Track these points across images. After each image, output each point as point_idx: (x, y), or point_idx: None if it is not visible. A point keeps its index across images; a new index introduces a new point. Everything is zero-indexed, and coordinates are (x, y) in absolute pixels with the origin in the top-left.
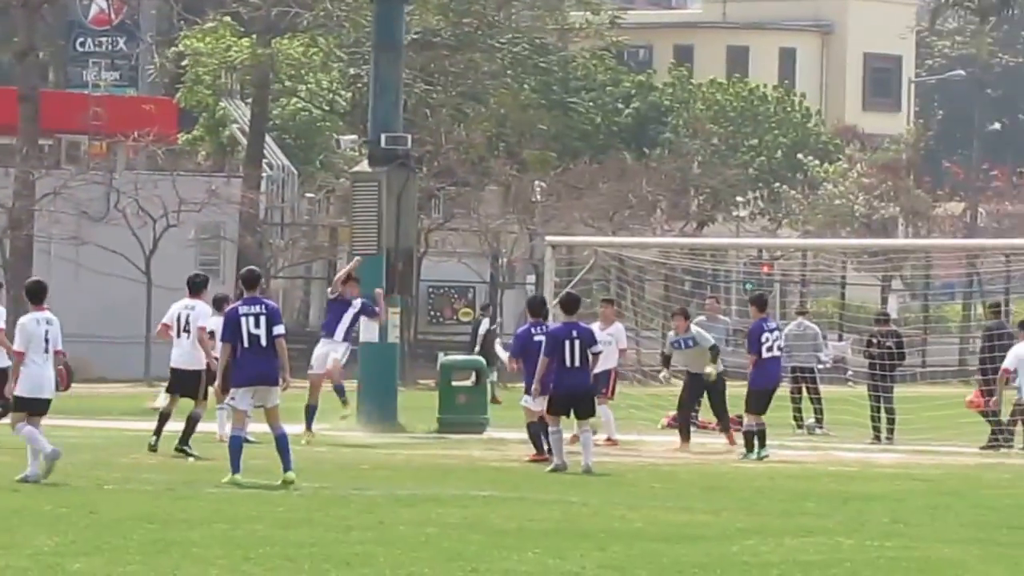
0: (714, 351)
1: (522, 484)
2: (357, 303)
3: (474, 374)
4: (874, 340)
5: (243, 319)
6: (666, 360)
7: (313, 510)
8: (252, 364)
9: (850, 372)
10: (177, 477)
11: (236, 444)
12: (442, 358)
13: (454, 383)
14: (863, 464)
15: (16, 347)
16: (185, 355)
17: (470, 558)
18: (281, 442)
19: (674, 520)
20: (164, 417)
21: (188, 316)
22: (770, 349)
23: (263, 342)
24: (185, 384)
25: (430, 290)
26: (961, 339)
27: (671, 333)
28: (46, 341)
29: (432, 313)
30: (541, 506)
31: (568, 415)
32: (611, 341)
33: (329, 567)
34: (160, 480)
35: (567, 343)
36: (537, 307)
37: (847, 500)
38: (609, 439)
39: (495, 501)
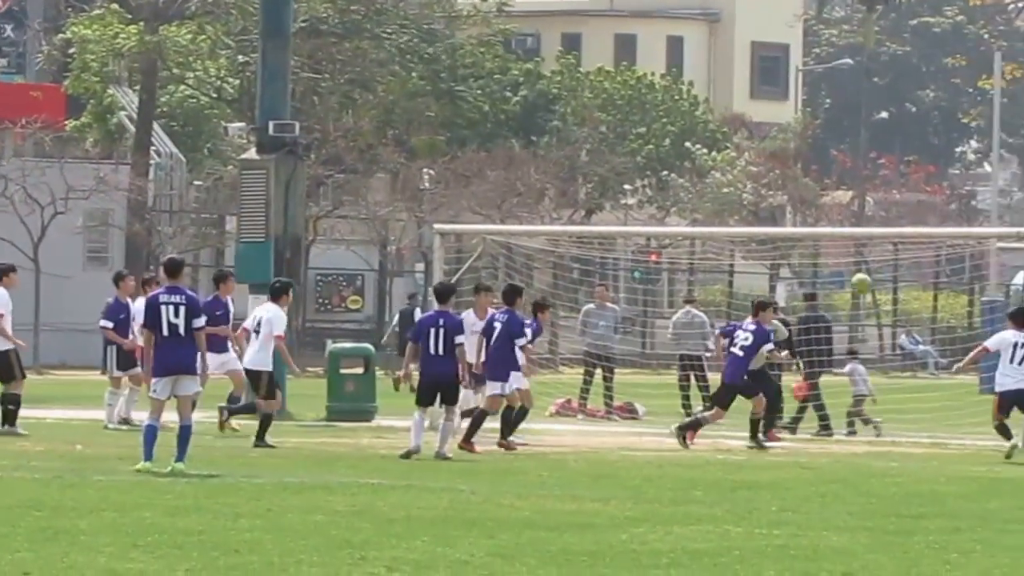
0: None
1: (410, 472)
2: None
3: (363, 362)
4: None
5: (163, 308)
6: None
7: (202, 497)
8: (170, 354)
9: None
10: (65, 465)
11: (151, 433)
12: (330, 346)
13: (342, 371)
14: (751, 453)
15: None
16: (255, 356)
17: (358, 546)
18: (184, 432)
19: (563, 508)
20: (254, 409)
21: (261, 319)
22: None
23: (181, 332)
24: (255, 383)
25: (318, 278)
26: (850, 327)
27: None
28: None
29: (320, 301)
30: (430, 494)
31: (433, 403)
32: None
33: (218, 554)
34: (48, 468)
35: (432, 331)
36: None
37: (735, 488)
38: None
39: (383, 489)
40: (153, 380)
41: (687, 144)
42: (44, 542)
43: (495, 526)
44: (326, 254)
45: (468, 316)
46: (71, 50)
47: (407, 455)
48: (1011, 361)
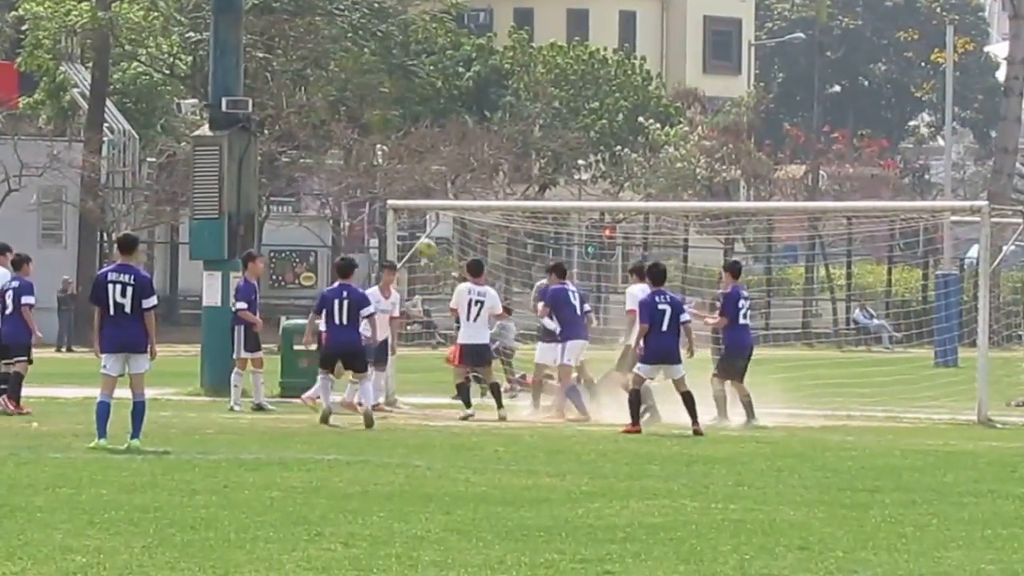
0: None
1: (366, 448)
2: None
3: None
4: (717, 303)
5: (111, 286)
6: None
7: (157, 474)
8: (118, 331)
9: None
10: (20, 443)
11: (103, 410)
12: (284, 322)
13: (296, 347)
14: (706, 427)
15: None
16: (472, 332)
17: (315, 522)
18: (138, 409)
19: (518, 484)
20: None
21: (475, 299)
22: (744, 316)
23: (127, 310)
24: (479, 357)
25: (272, 254)
26: (804, 301)
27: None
28: None
29: (274, 277)
30: (385, 470)
31: (334, 368)
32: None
33: (174, 531)
34: (3, 446)
35: (337, 302)
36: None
37: (691, 463)
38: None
39: (339, 465)
40: (103, 356)
41: (640, 119)
42: (0, 519)
43: (451, 501)
44: (279, 231)
45: (373, 293)
46: (23, 27)
47: (324, 419)
48: None
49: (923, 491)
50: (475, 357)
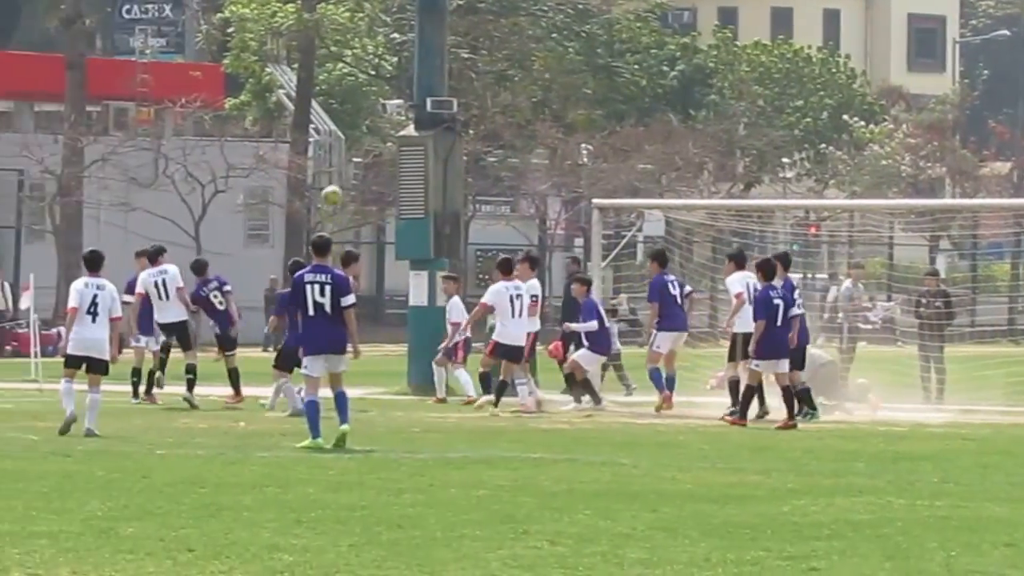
0: None
1: (572, 446)
2: None
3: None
4: (923, 300)
5: (308, 287)
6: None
7: (364, 473)
8: (319, 332)
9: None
10: (228, 442)
11: (313, 408)
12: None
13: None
14: (913, 424)
15: (70, 304)
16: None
17: (521, 520)
18: (340, 398)
19: (724, 481)
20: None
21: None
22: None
23: (327, 310)
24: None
25: (478, 253)
26: (1010, 298)
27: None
28: (93, 304)
29: (480, 276)
30: (591, 468)
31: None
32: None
33: (380, 529)
34: (212, 445)
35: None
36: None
37: (897, 460)
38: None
39: (545, 463)
40: (305, 358)
41: (844, 117)
42: (207, 518)
43: (657, 499)
44: (485, 230)
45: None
46: (229, 29)
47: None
48: None
49: None
50: (513, 354)
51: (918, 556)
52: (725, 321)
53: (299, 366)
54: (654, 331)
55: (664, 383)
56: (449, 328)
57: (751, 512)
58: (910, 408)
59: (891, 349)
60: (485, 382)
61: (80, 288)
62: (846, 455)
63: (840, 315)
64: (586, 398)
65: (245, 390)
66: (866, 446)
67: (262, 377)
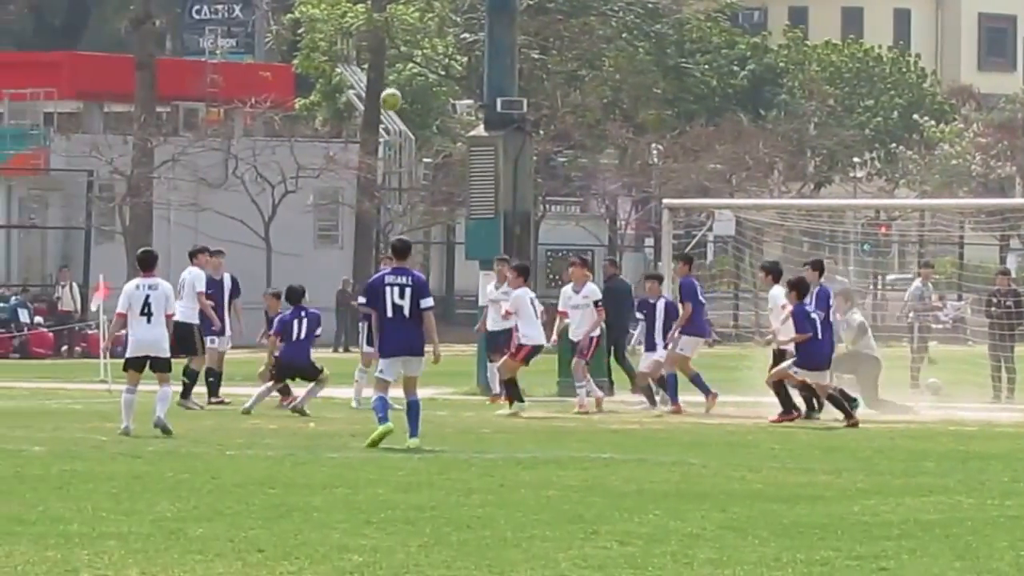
0: None
1: (641, 446)
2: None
3: None
4: (994, 299)
5: (387, 288)
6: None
7: (434, 474)
8: (397, 335)
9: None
10: (298, 442)
11: (381, 403)
12: (559, 322)
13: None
14: (983, 423)
15: (118, 309)
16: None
17: (590, 520)
18: (412, 408)
19: (794, 481)
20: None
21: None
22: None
23: (407, 313)
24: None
25: (548, 253)
26: None
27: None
28: (146, 304)
29: (551, 276)
30: (661, 468)
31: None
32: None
33: (450, 530)
34: (281, 445)
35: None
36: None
37: (967, 459)
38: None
39: (615, 463)
40: (382, 361)
41: (915, 116)
42: (277, 519)
43: (726, 499)
44: (556, 230)
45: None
46: (299, 29)
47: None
48: None
49: None
50: (536, 355)
51: (988, 556)
52: (771, 333)
53: (292, 378)
54: (678, 334)
55: (705, 384)
56: (499, 316)
57: (821, 512)
58: (980, 407)
59: (961, 348)
60: (512, 388)
61: (131, 291)
62: (916, 455)
63: (911, 314)
64: (660, 395)
65: (331, 391)
66: (936, 445)
67: (342, 378)
